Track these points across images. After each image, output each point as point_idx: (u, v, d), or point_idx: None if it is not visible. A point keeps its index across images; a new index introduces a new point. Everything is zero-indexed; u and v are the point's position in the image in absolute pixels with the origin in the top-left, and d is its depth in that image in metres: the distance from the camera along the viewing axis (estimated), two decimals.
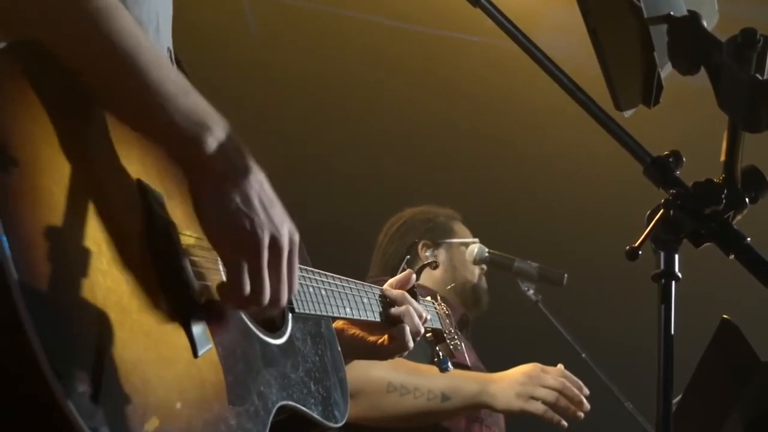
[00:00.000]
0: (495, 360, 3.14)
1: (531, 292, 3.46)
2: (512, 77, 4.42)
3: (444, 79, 4.62)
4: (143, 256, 1.21)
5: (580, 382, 2.74)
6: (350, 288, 1.80)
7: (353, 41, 4.45)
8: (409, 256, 3.23)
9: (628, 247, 1.31)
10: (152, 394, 1.12)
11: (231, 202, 1.21)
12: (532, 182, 4.75)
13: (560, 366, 2.77)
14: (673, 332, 1.29)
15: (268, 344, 1.43)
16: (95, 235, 1.13)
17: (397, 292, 1.97)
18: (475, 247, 3.33)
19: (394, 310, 1.93)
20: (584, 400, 2.69)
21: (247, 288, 1.24)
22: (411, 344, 1.93)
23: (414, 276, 2.07)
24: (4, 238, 0.98)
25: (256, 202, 1.23)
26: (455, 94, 4.61)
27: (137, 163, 1.26)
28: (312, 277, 1.66)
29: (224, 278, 1.29)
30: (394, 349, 1.92)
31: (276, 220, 1.26)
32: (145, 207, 1.23)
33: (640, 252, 1.31)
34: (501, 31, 1.46)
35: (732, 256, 1.33)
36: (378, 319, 1.88)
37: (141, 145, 1.27)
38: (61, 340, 1.02)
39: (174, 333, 1.20)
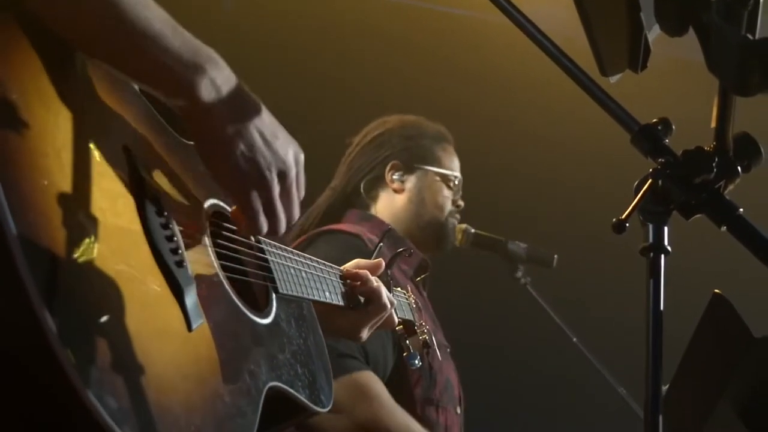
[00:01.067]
0: (481, 348, 3.14)
1: (519, 274, 3.47)
2: (497, 50, 4.42)
3: (429, 51, 4.60)
4: (133, 225, 1.21)
5: None
6: (327, 272, 1.79)
7: (333, 12, 4.44)
8: (371, 176, 3.08)
9: (614, 220, 1.30)
10: (152, 366, 1.13)
11: (234, 151, 1.28)
12: (514, 157, 4.74)
13: None
14: (663, 309, 1.29)
15: (256, 323, 1.44)
16: (88, 202, 1.13)
17: (359, 271, 1.91)
18: (458, 180, 3.10)
19: (359, 290, 1.88)
20: None
21: (263, 220, 1.35)
22: (387, 307, 1.88)
23: (383, 265, 1.99)
24: (4, 200, 0.98)
25: (258, 142, 1.30)
26: (440, 67, 4.60)
27: (124, 127, 1.28)
28: (293, 258, 1.67)
29: (211, 256, 1.36)
30: (369, 317, 1.89)
31: (281, 152, 1.34)
32: (132, 175, 1.24)
33: (627, 225, 1.30)
34: (487, 3, 1.45)
35: (724, 228, 1.32)
36: (342, 303, 1.83)
37: (130, 108, 1.29)
38: (62, 306, 1.02)
39: (168, 305, 1.22)
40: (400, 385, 2.69)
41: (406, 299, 2.21)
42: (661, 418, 1.23)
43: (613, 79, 1.46)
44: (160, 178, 1.32)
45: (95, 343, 1.05)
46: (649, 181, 1.34)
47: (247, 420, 1.29)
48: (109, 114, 1.26)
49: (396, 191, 3.06)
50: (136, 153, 1.27)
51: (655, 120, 1.41)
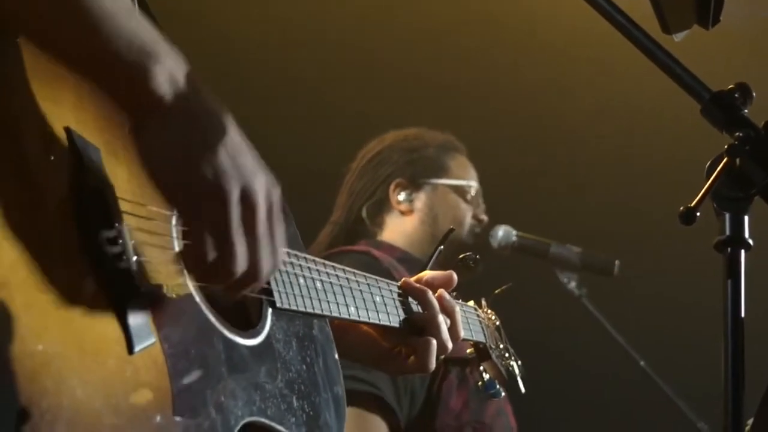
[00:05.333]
0: (529, 375, 3.13)
1: (573, 284, 3.44)
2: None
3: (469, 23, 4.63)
4: (66, 224, 1.19)
5: None
6: (357, 282, 1.75)
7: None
8: (373, 200, 3.05)
9: (682, 208, 1.28)
10: (67, 395, 1.10)
11: (186, 143, 1.20)
12: (568, 150, 4.72)
13: None
14: (743, 315, 1.27)
15: (236, 345, 1.40)
16: (4, 195, 1.11)
17: (420, 289, 1.84)
18: (476, 190, 3.08)
19: (417, 316, 1.82)
20: None
21: (212, 253, 1.22)
22: (433, 365, 1.79)
23: (455, 277, 1.91)
24: None
25: (218, 146, 1.22)
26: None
27: (70, 109, 1.25)
28: (304, 265, 1.62)
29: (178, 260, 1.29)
30: (411, 366, 1.80)
31: (247, 170, 1.24)
32: (73, 162, 1.22)
33: (698, 213, 1.28)
34: None
35: None
36: (395, 325, 1.78)
37: (77, 87, 1.26)
38: None
39: (104, 322, 1.18)
40: (435, 413, 2.69)
41: (477, 316, 2.13)
42: None
43: (678, 37, 1.44)
44: (113, 167, 1.28)
45: None
46: (724, 160, 1.32)
47: None
48: (46, 94, 1.23)
49: (403, 213, 3.03)
50: (80, 133, 1.25)
51: (730, 86, 1.39)
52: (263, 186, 1.27)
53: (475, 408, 2.77)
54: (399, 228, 3.03)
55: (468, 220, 3.07)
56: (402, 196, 3.04)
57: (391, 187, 3.05)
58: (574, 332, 3.91)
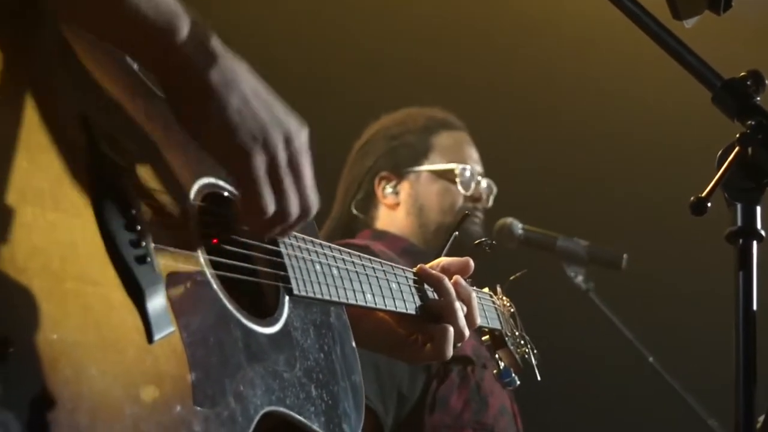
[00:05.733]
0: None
1: (580, 278, 3.43)
2: None
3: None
4: (84, 209, 1.19)
5: None
6: (373, 269, 1.75)
7: None
8: (361, 194, 2.98)
9: (693, 198, 1.27)
10: (87, 385, 1.10)
11: (224, 98, 1.25)
12: (575, 143, 4.71)
13: None
14: (756, 309, 1.26)
15: (255, 333, 1.40)
16: (19, 181, 1.12)
17: (436, 276, 1.84)
18: (466, 171, 2.97)
19: (433, 302, 1.82)
20: None
21: (271, 206, 1.29)
22: (450, 353, 1.80)
23: (471, 264, 1.90)
24: None
25: (253, 98, 1.28)
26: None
27: (84, 93, 1.27)
28: (320, 251, 1.63)
29: (197, 249, 1.32)
30: (428, 354, 1.81)
31: (282, 117, 1.31)
32: (89, 146, 1.23)
33: (709, 204, 1.27)
34: None
35: None
36: (412, 312, 1.79)
37: (103, 70, 1.29)
38: None
39: (123, 310, 1.19)
40: (432, 412, 2.67)
41: (493, 303, 2.12)
42: None
43: (689, 23, 1.43)
44: (127, 151, 1.29)
45: (3, 359, 1.03)
46: (736, 149, 1.31)
47: None
48: (64, 78, 1.24)
49: (389, 207, 2.98)
50: (97, 121, 1.25)
51: (743, 74, 1.38)
52: (296, 128, 1.33)
53: (476, 408, 2.75)
54: (390, 222, 2.98)
55: (458, 203, 2.97)
56: (388, 190, 2.99)
57: (376, 181, 2.99)
58: (582, 327, 3.89)
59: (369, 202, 3.03)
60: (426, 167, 2.97)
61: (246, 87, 1.28)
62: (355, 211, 3.01)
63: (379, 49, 4.48)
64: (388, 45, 4.50)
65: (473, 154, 3.05)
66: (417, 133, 3.02)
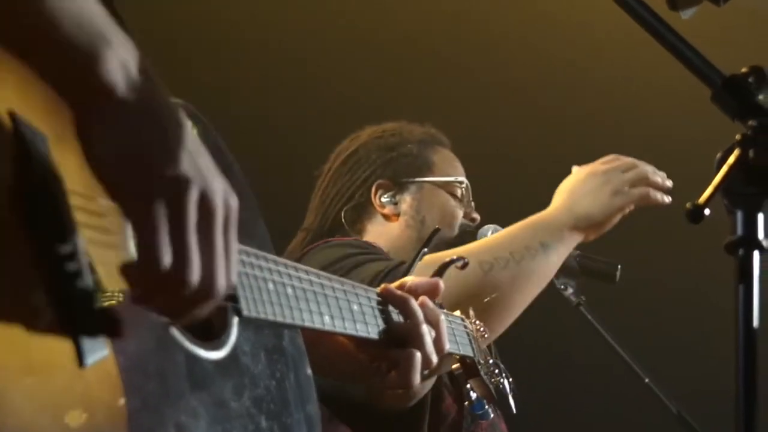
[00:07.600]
0: (525, 389, 3.13)
1: (570, 291, 3.43)
2: None
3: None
4: (8, 219, 1.17)
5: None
6: (333, 288, 1.74)
7: None
8: (352, 204, 2.98)
9: (689, 205, 1.27)
10: (11, 415, 1.08)
11: (139, 132, 1.17)
12: (563, 147, 4.74)
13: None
14: (757, 324, 1.26)
15: (199, 358, 1.39)
16: None
17: (401, 296, 1.83)
18: (464, 185, 3.03)
19: (398, 326, 1.80)
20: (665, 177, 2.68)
21: (167, 258, 1.18)
22: (417, 381, 1.78)
23: (441, 284, 1.91)
24: None
25: (177, 144, 1.20)
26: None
27: (14, 92, 1.23)
28: (273, 268, 1.61)
29: (132, 252, 1.25)
30: (392, 382, 1.80)
31: (205, 172, 1.22)
32: (18, 151, 1.20)
33: (707, 211, 1.28)
34: None
35: None
36: (374, 336, 1.77)
37: (22, 69, 1.22)
38: None
39: (52, 332, 1.16)
40: None
41: (464, 327, 2.12)
42: None
43: (686, 14, 1.43)
44: (64, 158, 1.25)
45: None
46: (737, 151, 1.31)
47: None
48: None
49: (387, 217, 2.99)
50: (25, 117, 1.22)
51: (744, 70, 1.38)
52: (221, 191, 1.24)
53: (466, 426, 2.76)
54: (382, 233, 2.97)
55: (459, 219, 3.02)
56: (386, 199, 2.99)
57: (373, 189, 2.99)
58: (572, 343, 3.91)
59: (360, 213, 3.02)
60: (430, 179, 3.02)
61: (169, 126, 1.20)
62: (343, 219, 3.01)
63: (379, 50, 4.52)
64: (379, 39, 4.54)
65: (463, 172, 3.10)
66: (416, 144, 3.05)
